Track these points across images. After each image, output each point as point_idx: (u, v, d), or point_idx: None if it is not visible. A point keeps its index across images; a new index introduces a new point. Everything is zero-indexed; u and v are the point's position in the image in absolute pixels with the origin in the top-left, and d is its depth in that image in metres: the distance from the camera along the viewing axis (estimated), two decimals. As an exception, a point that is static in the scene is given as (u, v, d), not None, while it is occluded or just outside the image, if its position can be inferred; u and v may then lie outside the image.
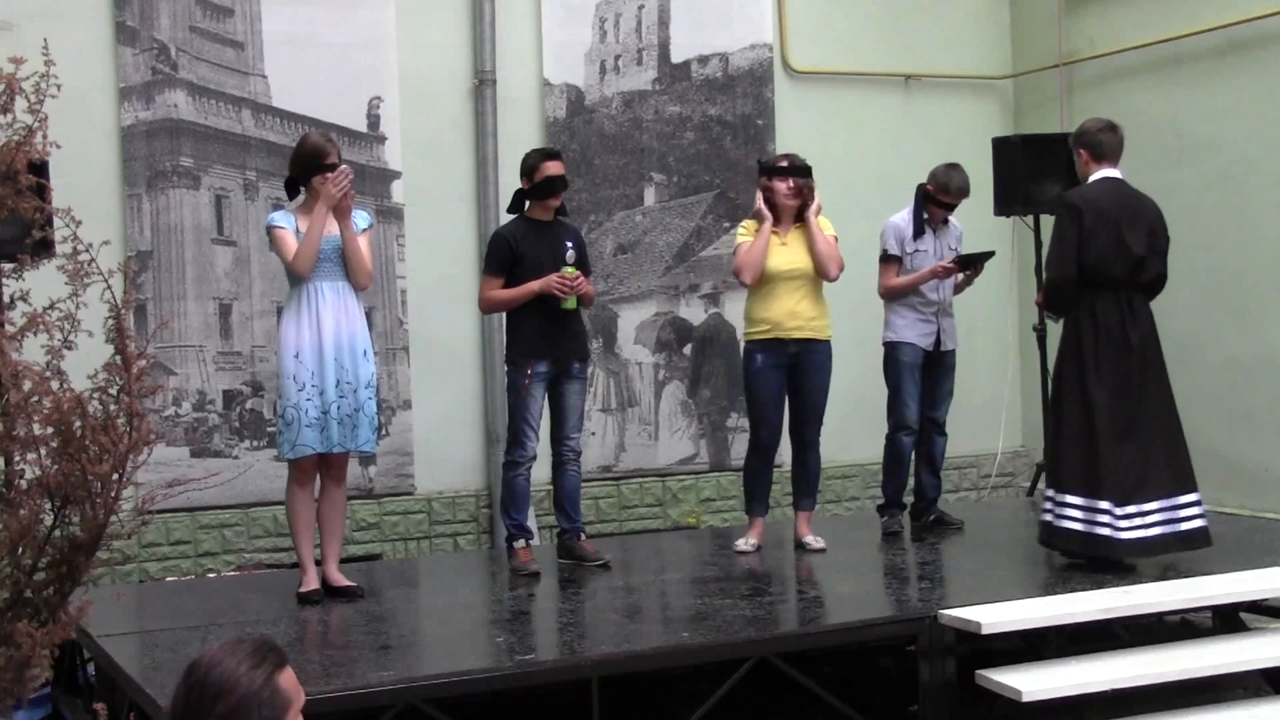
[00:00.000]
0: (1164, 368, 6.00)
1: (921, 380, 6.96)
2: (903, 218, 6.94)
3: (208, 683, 2.47)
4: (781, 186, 6.47)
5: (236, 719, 2.46)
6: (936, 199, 6.86)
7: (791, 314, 6.47)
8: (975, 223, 7.66)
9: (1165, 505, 5.86)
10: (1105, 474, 5.79)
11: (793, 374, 6.54)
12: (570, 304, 6.24)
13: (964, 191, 6.87)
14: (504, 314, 6.53)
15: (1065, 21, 9.18)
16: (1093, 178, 6.02)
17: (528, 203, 6.37)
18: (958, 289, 7.02)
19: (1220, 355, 8.33)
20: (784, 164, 6.55)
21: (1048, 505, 6.01)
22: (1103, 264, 5.82)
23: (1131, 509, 5.79)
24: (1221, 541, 6.58)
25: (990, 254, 6.92)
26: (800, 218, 6.52)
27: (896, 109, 9.29)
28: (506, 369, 6.40)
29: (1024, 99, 9.58)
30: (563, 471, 6.41)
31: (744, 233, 6.60)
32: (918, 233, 6.88)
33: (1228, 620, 5.96)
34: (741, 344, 6.99)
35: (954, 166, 6.89)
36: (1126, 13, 8.80)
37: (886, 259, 6.93)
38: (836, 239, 6.58)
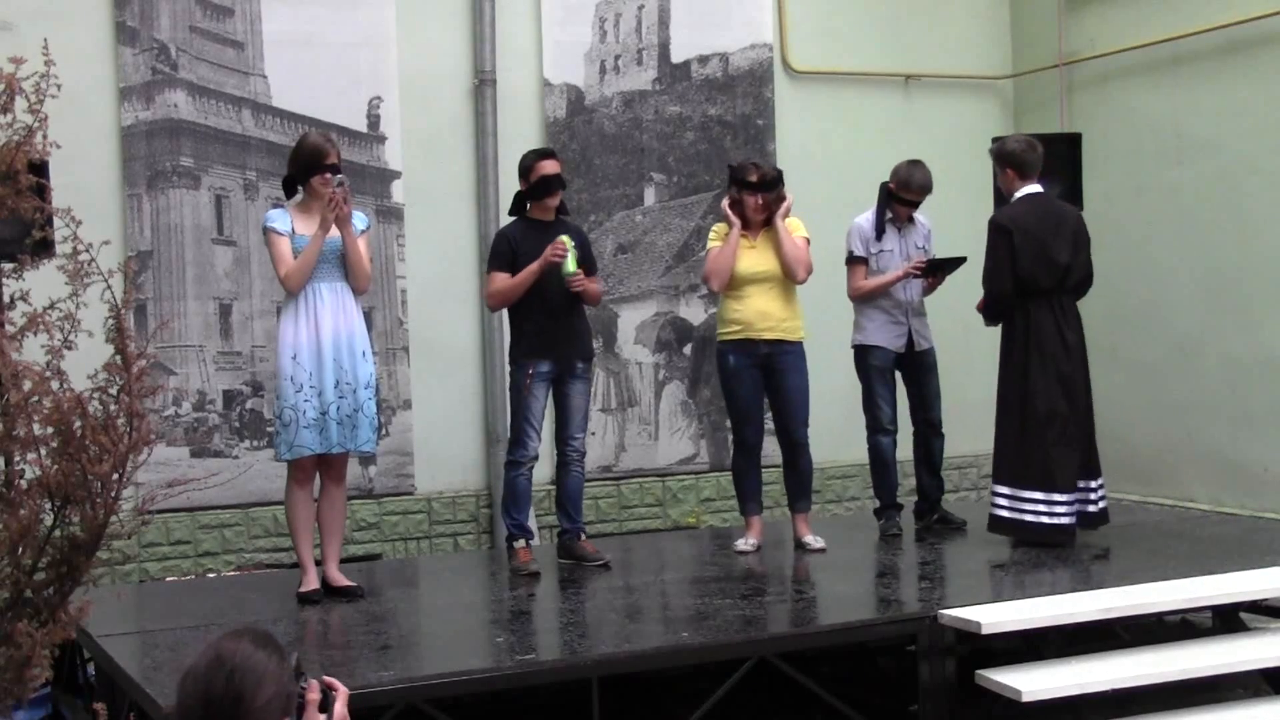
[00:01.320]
0: (1088, 364, 6.54)
1: (905, 383, 6.99)
2: (866, 218, 6.91)
3: (248, 670, 2.43)
4: (750, 201, 6.45)
5: (274, 707, 2.45)
6: (899, 196, 6.84)
7: (762, 315, 6.46)
8: (976, 222, 7.61)
9: (1085, 489, 6.45)
10: (1042, 466, 6.29)
11: (768, 377, 6.53)
12: (570, 267, 6.15)
13: (926, 188, 6.84)
14: (506, 314, 6.52)
15: (1065, 21, 9.17)
16: (1017, 194, 6.47)
17: (528, 204, 6.37)
18: (926, 290, 6.98)
19: (1220, 355, 8.32)
20: (753, 179, 6.47)
21: (994, 498, 6.48)
22: (1033, 276, 6.33)
23: (1068, 496, 6.32)
24: (1222, 541, 6.62)
25: (961, 260, 6.85)
26: (769, 221, 6.51)
27: (896, 109, 9.29)
28: (509, 368, 6.39)
29: (1024, 99, 9.57)
30: (566, 472, 6.40)
31: (714, 238, 6.59)
32: (880, 232, 6.86)
33: (1228, 620, 5.97)
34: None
35: (915, 163, 6.85)
36: (1126, 13, 8.79)
37: (853, 261, 6.90)
38: (808, 240, 6.55)
